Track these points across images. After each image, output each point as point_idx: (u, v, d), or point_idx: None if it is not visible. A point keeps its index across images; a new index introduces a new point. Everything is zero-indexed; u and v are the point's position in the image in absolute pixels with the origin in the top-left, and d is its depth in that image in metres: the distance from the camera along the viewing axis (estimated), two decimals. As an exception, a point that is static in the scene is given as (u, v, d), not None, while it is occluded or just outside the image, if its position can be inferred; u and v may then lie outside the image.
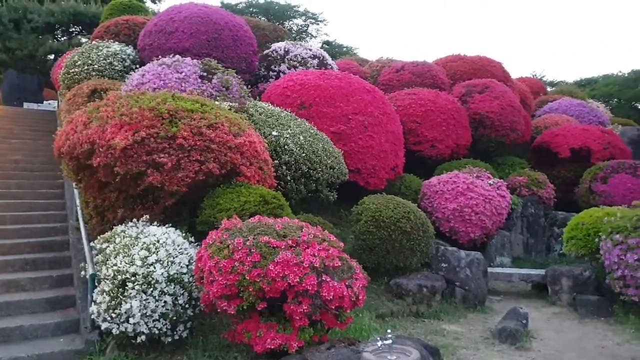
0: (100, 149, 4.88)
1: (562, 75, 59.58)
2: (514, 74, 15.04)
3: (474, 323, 6.22)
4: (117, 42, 10.38)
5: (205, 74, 8.15)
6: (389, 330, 3.54)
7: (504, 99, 11.31)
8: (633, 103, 27.21)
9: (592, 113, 14.91)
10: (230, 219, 4.29)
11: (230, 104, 7.16)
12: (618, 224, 6.46)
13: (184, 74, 8.01)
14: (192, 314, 4.39)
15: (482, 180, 8.95)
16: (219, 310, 3.84)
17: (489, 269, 7.60)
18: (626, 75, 28.49)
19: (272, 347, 3.58)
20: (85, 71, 9.73)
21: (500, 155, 11.67)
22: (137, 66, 9.59)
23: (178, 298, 4.28)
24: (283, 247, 3.72)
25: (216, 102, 6.49)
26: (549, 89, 21.45)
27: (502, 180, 9.49)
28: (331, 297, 3.54)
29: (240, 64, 9.79)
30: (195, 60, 8.40)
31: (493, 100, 11.24)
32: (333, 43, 27.58)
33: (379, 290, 6.66)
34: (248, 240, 3.75)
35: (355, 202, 7.28)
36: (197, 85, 7.86)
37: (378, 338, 3.31)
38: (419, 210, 7.35)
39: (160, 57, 8.69)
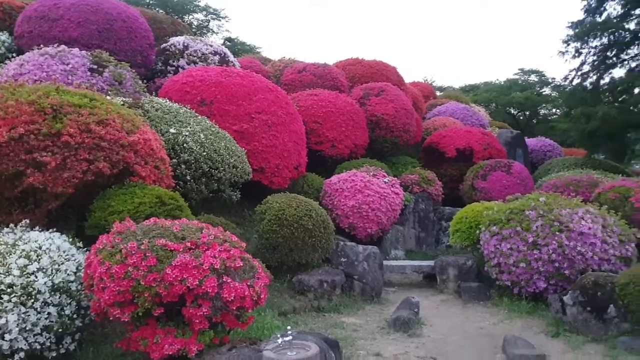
0: (-31, 147, 4.35)
1: (449, 81, 64.71)
2: (407, 79, 16.05)
3: (371, 314, 6.54)
4: (-12, 27, 9.29)
5: (95, 66, 7.60)
6: (289, 327, 3.61)
7: (398, 102, 12.01)
8: (507, 108, 30.45)
9: (475, 116, 16.40)
10: (123, 221, 4.08)
11: (124, 99, 6.76)
12: (494, 217, 7.18)
13: (70, 65, 7.40)
14: (81, 324, 4.09)
15: (378, 178, 9.44)
16: (111, 318, 3.63)
17: (385, 262, 8.03)
18: (502, 83, 31.81)
19: (171, 352, 3.47)
20: (-51, 58, 8.59)
21: (395, 155, 12.37)
22: (14, 55, 8.67)
23: (64, 308, 3.96)
24: (181, 249, 3.62)
25: (108, 97, 6.10)
26: (438, 94, 23.14)
27: (396, 178, 10.11)
28: (232, 298, 3.52)
29: (135, 58, 9.27)
30: (84, 52, 7.80)
31: (388, 103, 11.89)
32: (235, 40, 27.15)
33: (282, 288, 6.74)
34: (143, 243, 3.60)
35: (259, 201, 7.28)
36: (86, 79, 7.31)
37: (279, 335, 3.36)
38: (321, 207, 7.56)
39: (42, 46, 7.93)
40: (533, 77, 31.72)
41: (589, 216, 6.58)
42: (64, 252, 4.23)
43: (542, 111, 31.13)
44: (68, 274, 4.05)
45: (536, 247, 6.45)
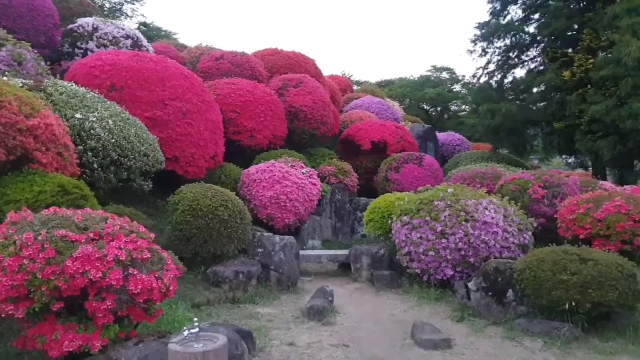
0: None
1: (366, 75, 66.61)
2: (326, 72, 16.28)
3: (286, 304, 6.57)
4: None
5: (-12, 43, 6.91)
6: (195, 319, 3.55)
7: (316, 94, 12.16)
8: (420, 103, 32.02)
9: (389, 110, 17.02)
10: (19, 211, 3.78)
11: (24, 80, 6.23)
12: (406, 207, 7.46)
13: (-44, 40, 6.67)
14: (-33, 324, 3.75)
15: (296, 169, 9.53)
16: (3, 315, 3.36)
17: (301, 252, 8.12)
18: (416, 79, 33.33)
19: (71, 349, 3.28)
20: None
21: (313, 146, 12.54)
22: None
23: (-53, 308, 3.60)
24: (83, 240, 3.44)
25: (4, 78, 5.61)
26: (355, 88, 23.72)
27: (313, 169, 10.26)
28: (139, 290, 3.40)
29: (37, 38, 8.58)
30: (-26, 27, 7.06)
31: (306, 95, 11.99)
32: (150, 25, 25.85)
33: (196, 280, 6.59)
34: (40, 234, 3.36)
35: (174, 191, 7.05)
36: (-24, 56, 6.62)
37: (185, 328, 3.31)
38: (237, 198, 7.47)
39: None
40: (445, 74, 33.56)
41: (492, 206, 6.98)
42: (-54, 246, 3.83)
43: (453, 107, 33.07)
44: (-49, 270, 3.68)
45: (444, 236, 6.71)
